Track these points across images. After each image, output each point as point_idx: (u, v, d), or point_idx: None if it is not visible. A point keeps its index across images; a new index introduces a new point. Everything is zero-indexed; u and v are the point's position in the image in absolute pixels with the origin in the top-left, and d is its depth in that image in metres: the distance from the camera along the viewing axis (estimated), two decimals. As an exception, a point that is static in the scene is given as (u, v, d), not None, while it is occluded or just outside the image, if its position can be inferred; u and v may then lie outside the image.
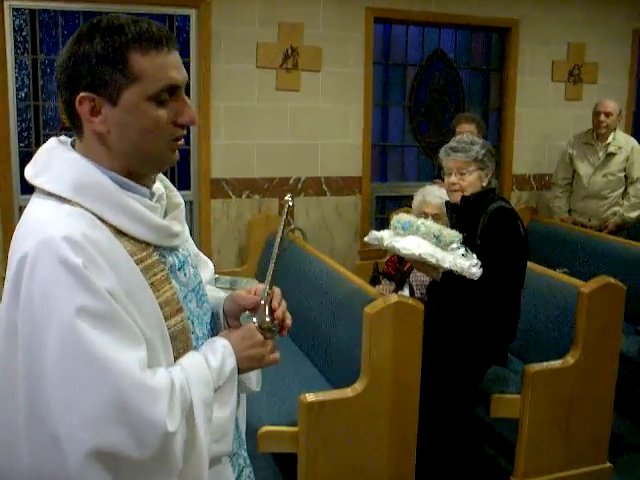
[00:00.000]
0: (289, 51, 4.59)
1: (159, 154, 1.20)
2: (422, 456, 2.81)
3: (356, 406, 2.61)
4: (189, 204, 4.54)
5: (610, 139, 4.72)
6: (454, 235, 2.69)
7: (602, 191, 4.75)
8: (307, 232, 4.70)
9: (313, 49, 4.66)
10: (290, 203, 1.37)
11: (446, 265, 2.62)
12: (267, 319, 1.32)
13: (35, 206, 1.16)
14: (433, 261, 2.62)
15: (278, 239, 1.37)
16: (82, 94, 1.13)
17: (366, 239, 2.90)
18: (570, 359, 3.01)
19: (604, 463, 3.23)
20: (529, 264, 3.03)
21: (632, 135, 5.20)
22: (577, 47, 5.48)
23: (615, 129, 4.74)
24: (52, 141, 1.22)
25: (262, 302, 1.33)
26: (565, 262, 4.29)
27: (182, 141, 1.22)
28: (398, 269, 3.68)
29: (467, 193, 2.91)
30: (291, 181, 4.80)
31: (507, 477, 3.14)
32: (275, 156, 4.73)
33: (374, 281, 3.80)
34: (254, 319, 1.32)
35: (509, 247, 2.78)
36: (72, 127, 1.20)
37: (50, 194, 1.14)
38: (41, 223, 1.10)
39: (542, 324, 3.28)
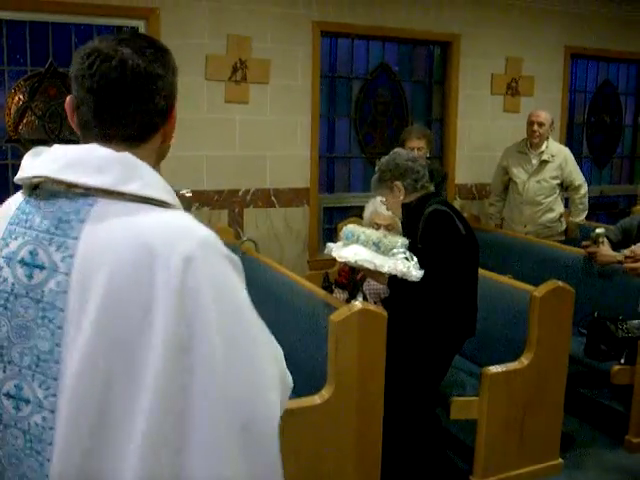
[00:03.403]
0: (238, 64, 4.62)
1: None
2: (386, 459, 2.87)
3: (323, 413, 2.64)
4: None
5: (543, 147, 4.89)
6: (395, 241, 2.85)
7: (536, 197, 4.91)
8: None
9: (261, 62, 4.70)
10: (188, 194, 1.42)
11: (385, 269, 2.76)
12: None
13: (147, 212, 1.08)
14: (371, 266, 2.79)
15: None
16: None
17: (325, 252, 3.06)
18: (524, 360, 3.13)
19: (556, 459, 3.38)
20: (480, 271, 3.13)
21: (566, 145, 5.44)
22: (514, 61, 5.71)
23: (548, 138, 4.92)
24: (117, 150, 1.11)
25: None
26: (508, 268, 4.44)
27: None
28: (351, 278, 3.73)
29: (397, 211, 3.11)
30: (240, 193, 4.81)
31: (465, 477, 3.24)
32: (224, 168, 4.73)
33: (326, 291, 3.83)
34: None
35: (446, 246, 2.88)
36: (137, 135, 1.15)
37: (147, 200, 1.09)
38: (182, 225, 1.09)
39: (494, 328, 3.38)
